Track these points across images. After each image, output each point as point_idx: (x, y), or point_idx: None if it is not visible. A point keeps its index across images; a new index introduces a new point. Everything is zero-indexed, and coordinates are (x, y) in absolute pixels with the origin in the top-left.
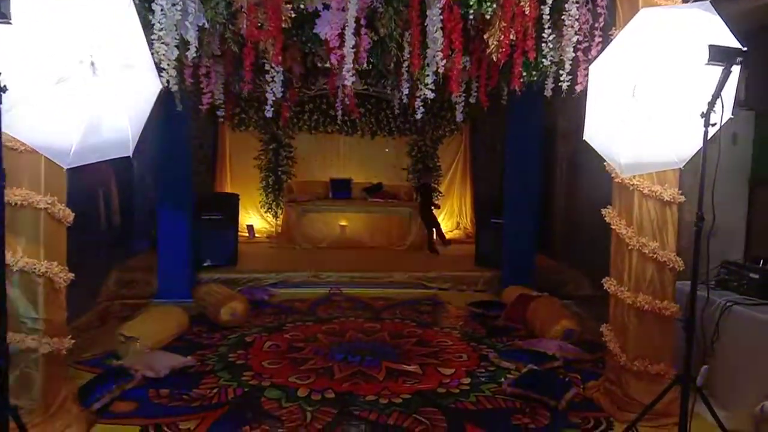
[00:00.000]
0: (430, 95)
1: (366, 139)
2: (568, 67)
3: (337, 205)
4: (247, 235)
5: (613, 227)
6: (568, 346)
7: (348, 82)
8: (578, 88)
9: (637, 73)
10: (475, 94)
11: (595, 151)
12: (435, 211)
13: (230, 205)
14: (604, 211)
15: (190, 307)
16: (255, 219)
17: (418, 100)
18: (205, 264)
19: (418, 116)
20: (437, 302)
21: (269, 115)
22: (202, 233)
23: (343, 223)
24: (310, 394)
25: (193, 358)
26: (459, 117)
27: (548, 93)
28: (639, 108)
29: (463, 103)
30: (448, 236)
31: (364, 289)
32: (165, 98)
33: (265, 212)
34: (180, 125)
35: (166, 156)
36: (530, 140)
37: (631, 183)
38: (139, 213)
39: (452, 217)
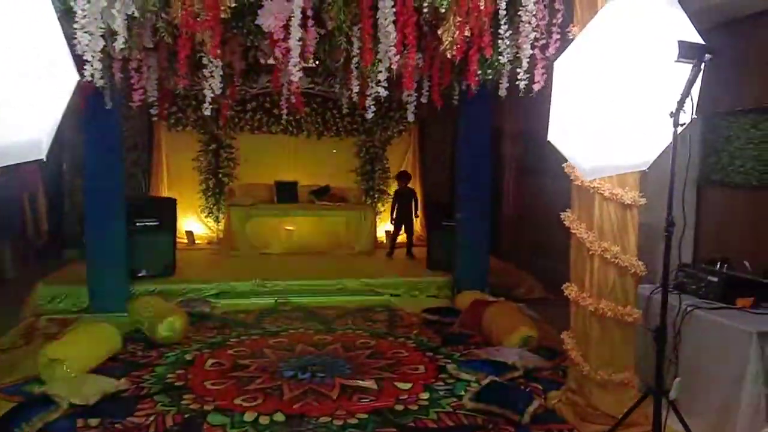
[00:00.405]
0: (383, 93)
1: (312, 139)
2: (525, 65)
3: (282, 209)
4: (186, 241)
5: (573, 231)
6: (527, 355)
7: (294, 78)
8: (536, 87)
9: (601, 70)
10: (427, 93)
11: (548, 152)
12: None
13: (167, 210)
14: (562, 215)
15: (124, 323)
16: (195, 224)
17: (369, 98)
18: (140, 275)
19: (369, 115)
20: (390, 309)
21: (208, 113)
22: (136, 241)
23: (290, 227)
24: (257, 418)
25: (127, 380)
26: (410, 117)
27: (503, 93)
28: (604, 107)
29: (414, 103)
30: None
31: (313, 298)
32: (92, 94)
33: (206, 217)
34: (109, 124)
35: (95, 157)
36: (481, 141)
37: (592, 186)
38: (71, 219)
39: None
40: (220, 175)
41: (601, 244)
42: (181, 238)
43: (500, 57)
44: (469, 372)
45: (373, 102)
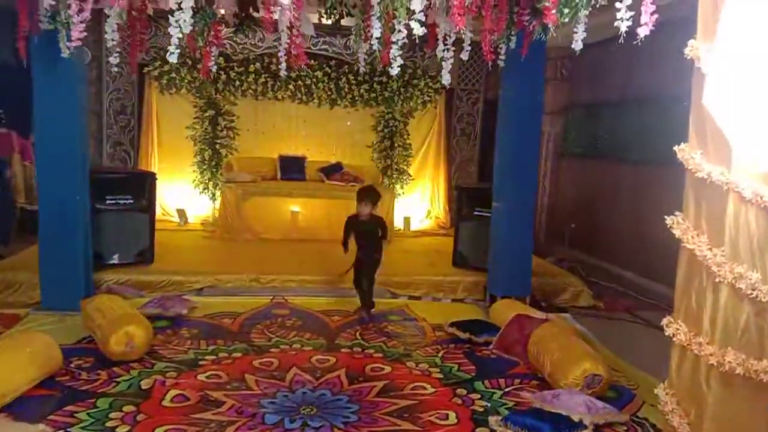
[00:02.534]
0: (419, 30)
1: (323, 109)
2: None
3: (286, 188)
4: (177, 221)
5: (685, 245)
6: (597, 405)
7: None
8: (642, 31)
9: None
10: (469, 47)
11: (607, 128)
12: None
13: (143, 186)
14: (670, 220)
15: (79, 325)
16: (189, 201)
17: (395, 46)
18: (109, 262)
19: (395, 71)
20: (408, 318)
21: (173, 59)
22: (104, 222)
23: (295, 208)
24: None
25: (50, 424)
26: (446, 79)
27: (578, 45)
28: None
29: (451, 59)
30: (418, 228)
31: (316, 298)
32: (43, 38)
33: (200, 193)
34: (67, 77)
35: (47, 120)
36: (530, 113)
37: (724, 181)
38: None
39: (422, 204)
40: (217, 146)
41: (733, 268)
42: (171, 218)
43: None
44: (519, 430)
45: (400, 51)
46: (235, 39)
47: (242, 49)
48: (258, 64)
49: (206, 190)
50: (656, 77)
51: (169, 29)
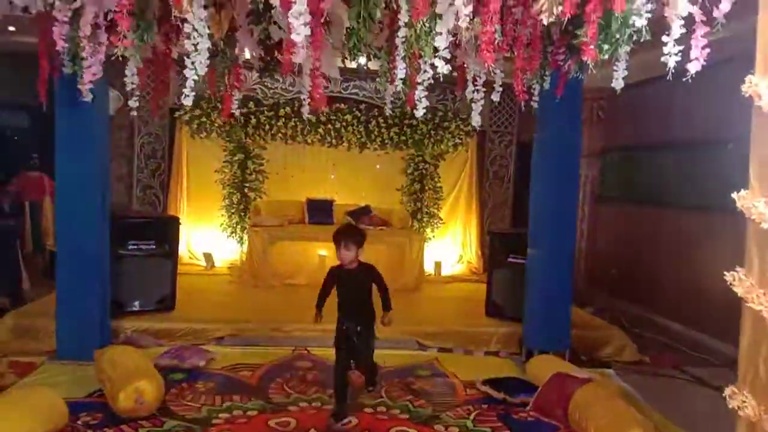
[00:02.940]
0: (443, 68)
1: (353, 152)
2: (677, 31)
3: (313, 232)
4: (203, 265)
5: (749, 305)
6: None
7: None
8: (692, 67)
9: None
10: (500, 89)
11: (647, 172)
12: None
13: (166, 231)
14: (730, 276)
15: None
16: (216, 245)
17: (420, 86)
18: (130, 309)
19: (420, 112)
20: (438, 373)
21: (187, 102)
22: (127, 268)
23: (323, 252)
24: None
25: None
26: (476, 120)
27: (619, 83)
28: None
29: (481, 101)
30: (449, 273)
31: None
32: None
33: (228, 237)
34: (88, 120)
35: (67, 163)
36: (568, 156)
37: None
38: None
39: (454, 249)
40: (246, 190)
41: None
42: (198, 262)
43: (635, 18)
44: None
45: (426, 92)
46: (266, 83)
47: (273, 93)
48: (288, 108)
49: (234, 234)
50: (700, 118)
51: (185, 71)
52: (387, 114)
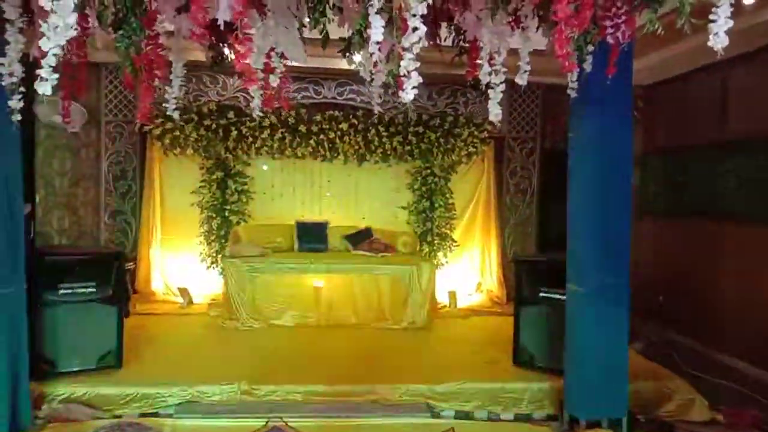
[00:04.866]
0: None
1: (350, 166)
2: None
3: (302, 262)
4: (181, 302)
5: None
6: None
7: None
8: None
9: None
10: (528, 66)
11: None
12: None
13: (108, 269)
14: None
15: None
16: (195, 277)
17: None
18: (67, 369)
19: (408, 97)
20: None
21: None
22: (58, 318)
23: (319, 283)
24: None
25: None
26: (494, 113)
27: (720, 41)
28: None
29: (502, 86)
30: (467, 305)
31: (327, 420)
32: None
33: (208, 268)
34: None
35: None
36: (616, 160)
37: None
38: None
39: (471, 275)
40: (227, 213)
41: None
42: (173, 297)
43: None
44: None
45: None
46: (247, 91)
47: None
48: (273, 117)
49: (215, 264)
50: (763, 111)
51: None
52: (385, 119)
